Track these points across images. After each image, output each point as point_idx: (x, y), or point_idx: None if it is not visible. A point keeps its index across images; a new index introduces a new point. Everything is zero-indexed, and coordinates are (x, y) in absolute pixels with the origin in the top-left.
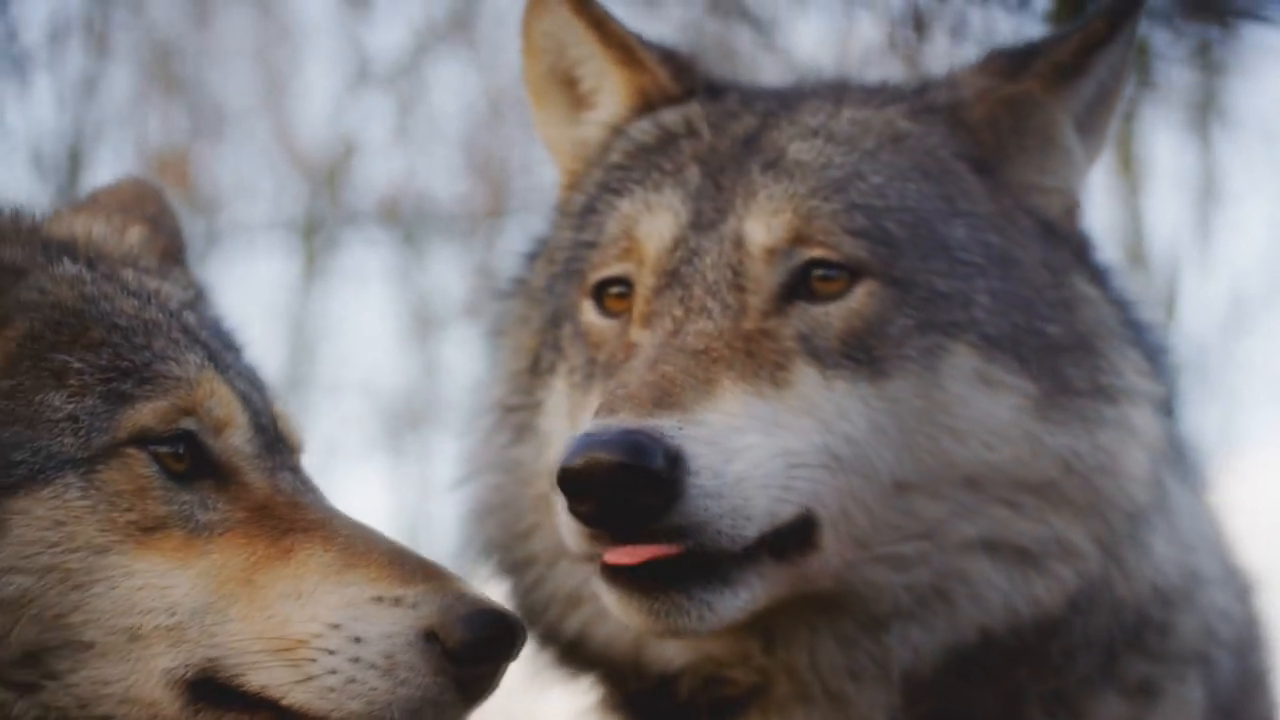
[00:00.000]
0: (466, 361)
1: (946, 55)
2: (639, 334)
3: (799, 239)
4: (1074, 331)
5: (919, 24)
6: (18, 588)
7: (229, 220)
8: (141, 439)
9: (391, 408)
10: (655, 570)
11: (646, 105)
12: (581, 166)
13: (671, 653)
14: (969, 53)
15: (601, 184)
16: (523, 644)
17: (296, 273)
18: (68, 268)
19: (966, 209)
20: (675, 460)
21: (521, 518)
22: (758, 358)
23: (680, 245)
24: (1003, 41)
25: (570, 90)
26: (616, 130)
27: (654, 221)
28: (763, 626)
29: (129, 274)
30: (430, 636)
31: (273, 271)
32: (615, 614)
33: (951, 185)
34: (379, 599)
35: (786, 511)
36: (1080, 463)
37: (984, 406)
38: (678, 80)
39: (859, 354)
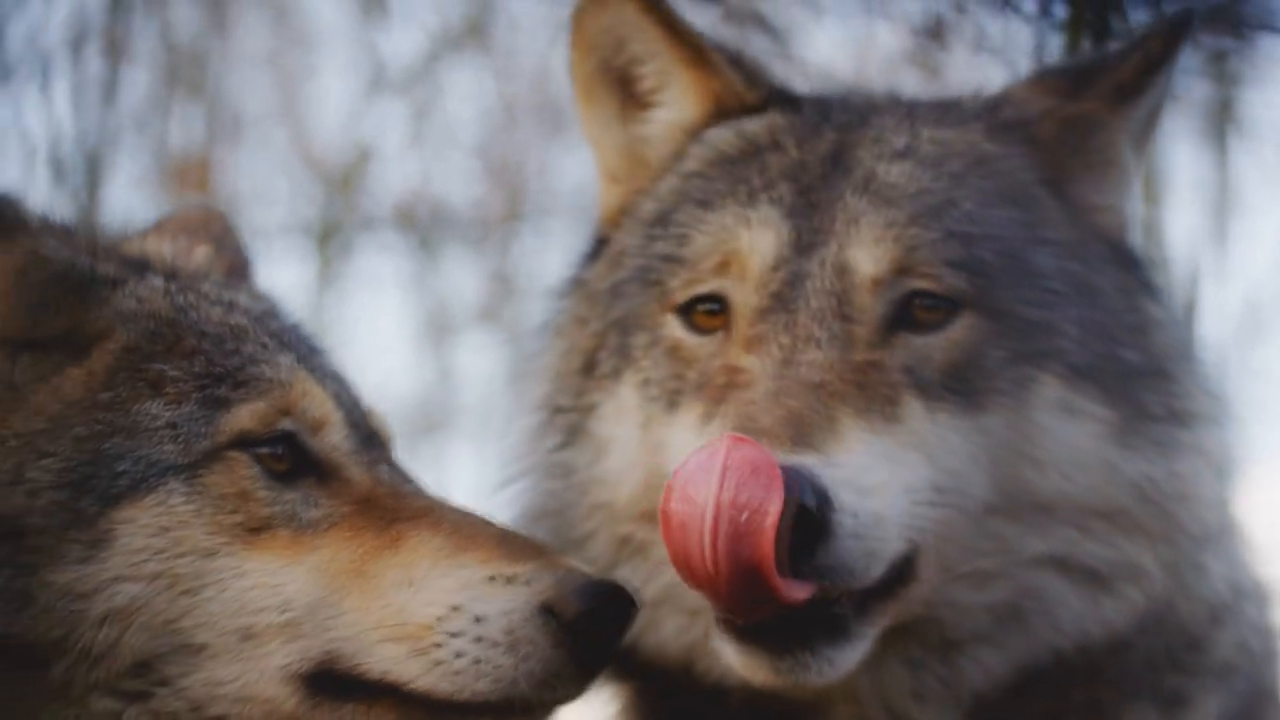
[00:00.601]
0: (482, 367)
1: (966, 65)
2: (745, 359)
3: (902, 269)
4: (1149, 356)
5: (938, 33)
6: (126, 596)
7: (245, 225)
8: (242, 441)
9: (406, 413)
10: (780, 626)
11: (720, 111)
12: (640, 168)
13: (726, 667)
14: (989, 63)
15: (680, 193)
16: (636, 613)
17: (312, 278)
18: (154, 280)
19: (1050, 236)
20: (825, 499)
21: (574, 525)
22: (869, 391)
23: (782, 266)
24: (1023, 52)
25: (624, 88)
26: (691, 134)
27: (754, 238)
28: None
29: (206, 286)
30: (547, 610)
31: (288, 276)
32: (733, 666)
33: (1035, 210)
34: (493, 578)
35: (904, 548)
36: (1156, 490)
37: (1067, 436)
38: (750, 86)
39: (958, 385)
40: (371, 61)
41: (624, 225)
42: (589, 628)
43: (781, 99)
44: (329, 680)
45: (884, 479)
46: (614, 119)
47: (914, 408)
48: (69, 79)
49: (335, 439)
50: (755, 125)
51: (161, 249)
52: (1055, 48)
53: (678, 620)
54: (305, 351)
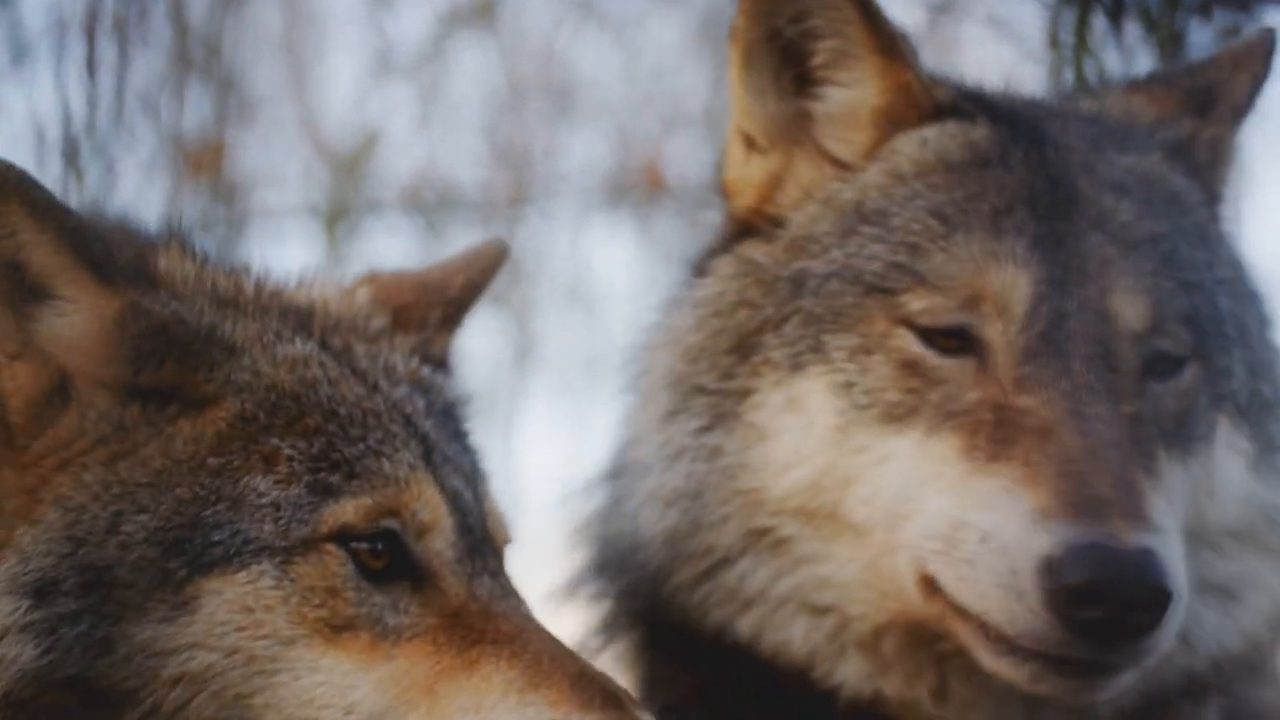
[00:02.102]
0: (489, 349)
1: (978, 41)
2: (1023, 400)
3: (1154, 324)
4: (1276, 388)
5: (950, 8)
6: (202, 663)
7: (254, 207)
8: (342, 536)
9: None
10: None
11: (910, 104)
12: (798, 144)
13: (844, 677)
14: (1000, 39)
15: (900, 193)
16: None
17: (320, 260)
18: (296, 348)
19: (1222, 275)
20: (1168, 596)
21: (712, 508)
22: (1141, 448)
23: (1042, 304)
24: (1034, 28)
25: (791, 60)
26: (885, 124)
27: (1011, 277)
28: (939, 675)
29: (361, 351)
30: None
31: (297, 258)
32: (1013, 679)
33: (1213, 248)
34: None
35: None
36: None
37: (1229, 471)
38: (936, 84)
39: (1179, 433)
40: (379, 43)
41: (810, 210)
42: None
43: (965, 102)
44: None
45: (1180, 552)
46: (770, 88)
47: (1163, 461)
48: (81, 61)
49: (439, 545)
50: (978, 134)
51: (330, 298)
52: (1067, 24)
53: (806, 621)
54: (439, 439)
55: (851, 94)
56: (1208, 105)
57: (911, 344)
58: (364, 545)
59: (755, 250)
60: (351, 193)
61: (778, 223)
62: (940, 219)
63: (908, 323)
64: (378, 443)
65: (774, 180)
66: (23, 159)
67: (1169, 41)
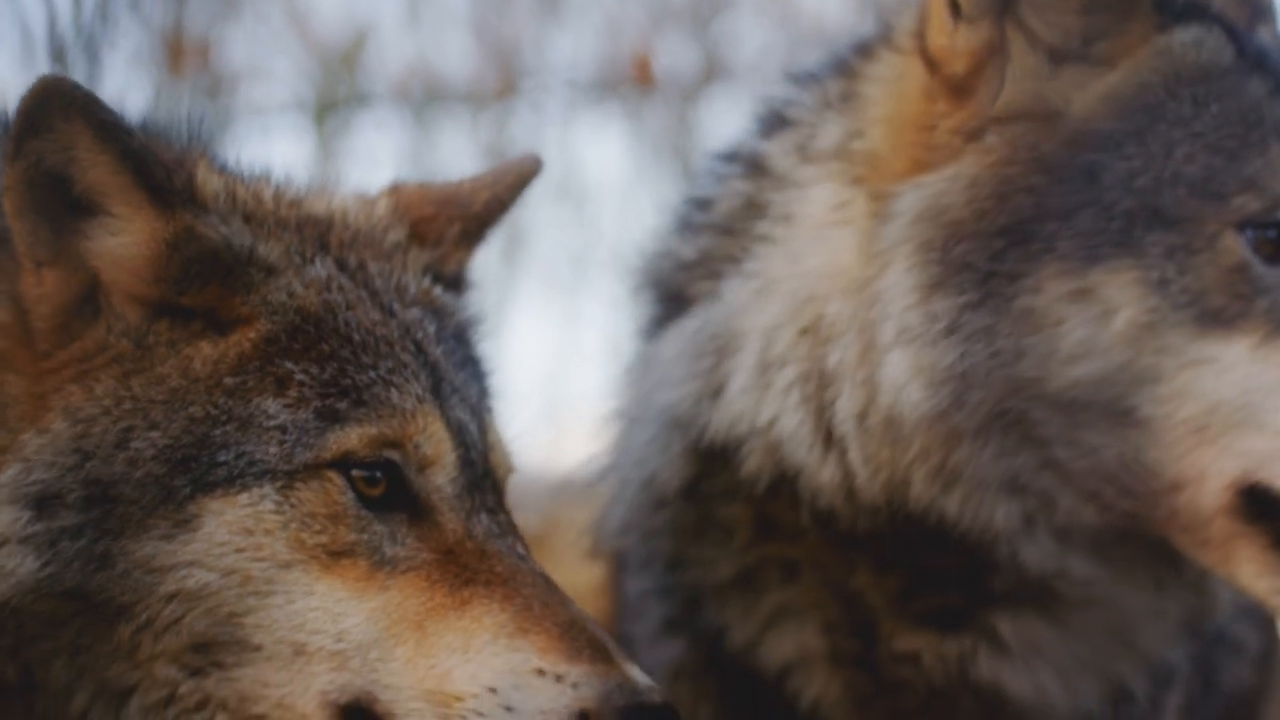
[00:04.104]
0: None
1: None
2: None
3: None
4: None
5: None
6: (198, 581)
7: (242, 102)
8: (344, 463)
9: None
10: None
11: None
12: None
13: (1030, 555)
14: None
15: (1194, 98)
16: None
17: (309, 155)
18: (318, 269)
19: None
20: None
21: (975, 390)
22: None
23: None
24: None
25: None
26: (1142, 20)
27: None
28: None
29: (375, 270)
30: (584, 719)
31: (286, 154)
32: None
33: None
34: (542, 671)
35: None
36: None
37: None
38: None
39: None
40: None
41: (1078, 100)
42: None
43: (1196, 7)
44: (361, 717)
45: None
46: None
47: None
48: None
49: (440, 480)
50: (1218, 41)
51: (349, 209)
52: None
53: (1013, 502)
54: (448, 369)
55: None
56: None
57: (1241, 248)
58: (362, 473)
59: (1027, 134)
60: (340, 87)
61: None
62: (1246, 125)
63: (1238, 225)
64: (388, 371)
65: (987, 51)
66: (9, 56)
67: None
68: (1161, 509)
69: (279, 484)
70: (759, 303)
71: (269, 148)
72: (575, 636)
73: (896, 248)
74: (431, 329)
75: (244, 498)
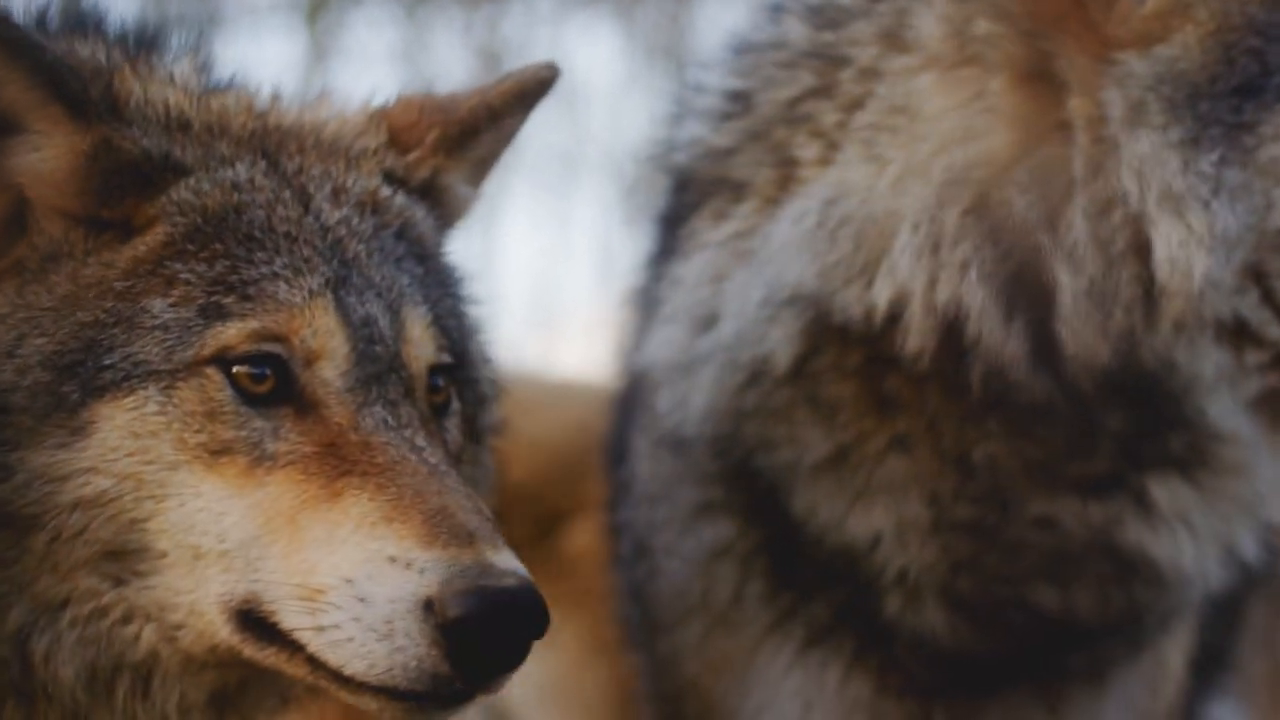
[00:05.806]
0: None
1: None
2: None
3: None
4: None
5: None
6: (96, 488)
7: (232, 2)
8: (222, 359)
9: None
10: None
11: None
12: None
13: None
14: None
15: None
16: (536, 633)
17: (301, 54)
18: (235, 172)
19: None
20: None
21: (1231, 254)
22: None
23: None
24: None
25: None
26: None
27: None
28: None
29: (317, 172)
30: (429, 606)
31: (277, 53)
32: None
33: None
34: (394, 559)
35: None
36: None
37: None
38: None
39: None
40: None
41: None
42: (467, 636)
43: None
44: (256, 621)
45: None
46: None
47: None
48: None
49: (328, 374)
50: None
51: (328, 121)
52: None
53: (1222, 354)
54: (367, 267)
55: None
56: None
57: None
58: (245, 369)
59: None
60: None
61: None
62: None
63: None
64: (282, 267)
65: None
66: None
67: None
68: None
69: (162, 384)
70: (903, 187)
71: (261, 46)
72: (439, 523)
73: (1139, 109)
74: (364, 226)
75: (130, 400)
